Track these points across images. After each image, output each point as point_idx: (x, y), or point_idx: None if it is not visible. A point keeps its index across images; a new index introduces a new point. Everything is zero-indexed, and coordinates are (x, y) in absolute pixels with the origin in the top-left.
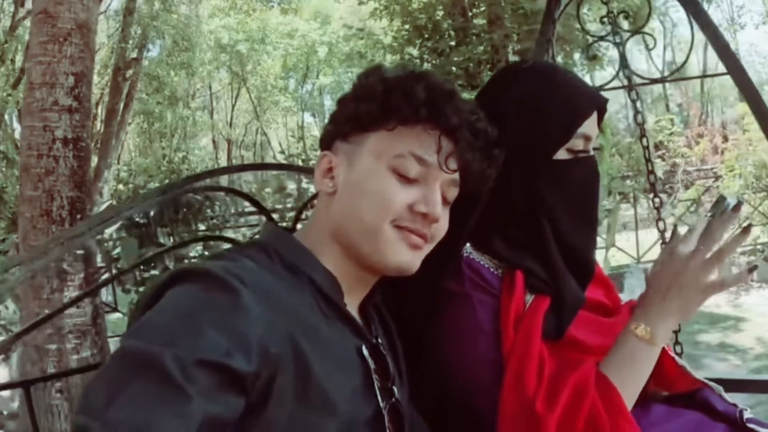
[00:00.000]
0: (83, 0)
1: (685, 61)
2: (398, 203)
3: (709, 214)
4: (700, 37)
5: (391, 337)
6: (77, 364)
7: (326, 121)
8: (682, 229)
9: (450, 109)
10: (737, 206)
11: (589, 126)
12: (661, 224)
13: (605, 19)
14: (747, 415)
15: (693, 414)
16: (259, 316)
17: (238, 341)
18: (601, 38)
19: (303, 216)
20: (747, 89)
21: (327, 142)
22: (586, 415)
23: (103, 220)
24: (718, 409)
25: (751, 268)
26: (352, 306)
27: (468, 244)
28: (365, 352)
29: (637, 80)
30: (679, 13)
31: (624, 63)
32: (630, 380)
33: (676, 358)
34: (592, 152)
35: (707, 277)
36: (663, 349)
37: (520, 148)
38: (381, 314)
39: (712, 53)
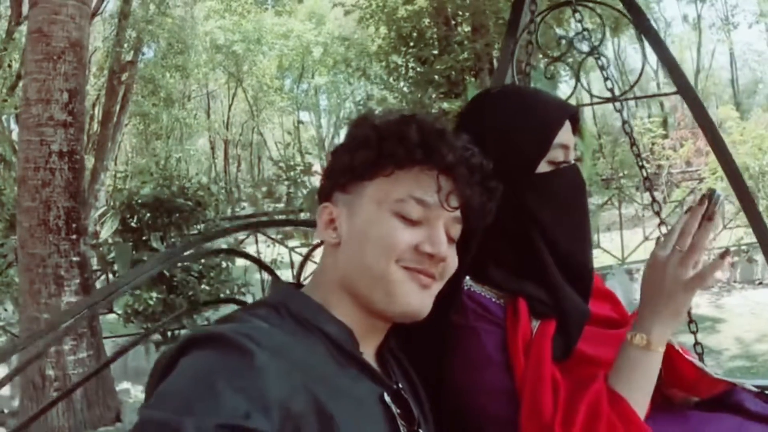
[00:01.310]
0: (76, 19)
1: (636, 82)
2: (403, 244)
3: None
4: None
5: (411, 379)
6: (74, 365)
7: (320, 122)
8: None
9: (444, 147)
10: (706, 199)
11: (565, 135)
12: (663, 228)
13: (562, 41)
14: None
15: (729, 418)
16: (276, 375)
17: (257, 402)
18: (557, 59)
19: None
20: (696, 108)
21: (326, 193)
22: (605, 429)
23: (110, 291)
24: (753, 410)
25: (723, 254)
26: (368, 354)
27: (467, 277)
28: (387, 399)
29: (595, 99)
30: (670, 12)
31: (605, 76)
32: (637, 389)
33: (694, 360)
34: (573, 161)
35: (687, 274)
36: (678, 353)
37: (503, 168)
38: (398, 358)
39: (702, 57)
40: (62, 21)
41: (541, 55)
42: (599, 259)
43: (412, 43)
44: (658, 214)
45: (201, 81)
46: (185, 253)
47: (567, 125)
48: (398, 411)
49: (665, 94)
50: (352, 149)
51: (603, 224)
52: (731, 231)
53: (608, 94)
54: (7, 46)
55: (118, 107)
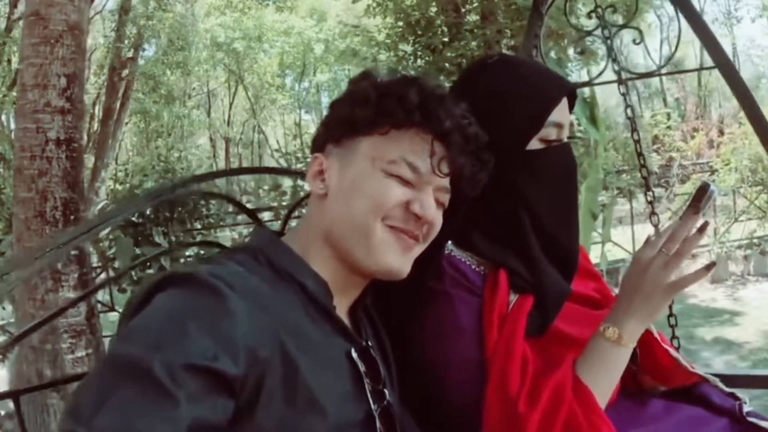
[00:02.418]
0: (74, 1)
1: (672, 54)
2: (392, 199)
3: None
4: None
5: (381, 338)
6: (72, 363)
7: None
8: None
9: (442, 113)
10: (702, 196)
11: (560, 114)
12: (654, 219)
13: (593, 14)
14: (746, 408)
15: (692, 409)
16: (247, 319)
17: (226, 345)
18: (589, 33)
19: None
20: (735, 83)
21: (319, 145)
22: (564, 418)
23: (95, 224)
24: (717, 403)
25: (709, 266)
26: (341, 309)
27: (449, 242)
28: (354, 355)
29: (627, 74)
30: (673, 8)
31: (613, 57)
32: (602, 381)
33: (671, 351)
34: (565, 140)
35: (668, 278)
36: (657, 342)
37: (494, 141)
38: (370, 316)
39: (705, 53)
40: (60, 3)
41: (549, 43)
42: (611, 253)
43: (420, 32)
44: (651, 203)
45: (202, 79)
46: (175, 193)
47: (564, 103)
48: (364, 369)
49: (705, 68)
50: (351, 104)
51: (614, 217)
52: (743, 224)
53: (643, 69)
54: (6, 40)
55: (118, 104)
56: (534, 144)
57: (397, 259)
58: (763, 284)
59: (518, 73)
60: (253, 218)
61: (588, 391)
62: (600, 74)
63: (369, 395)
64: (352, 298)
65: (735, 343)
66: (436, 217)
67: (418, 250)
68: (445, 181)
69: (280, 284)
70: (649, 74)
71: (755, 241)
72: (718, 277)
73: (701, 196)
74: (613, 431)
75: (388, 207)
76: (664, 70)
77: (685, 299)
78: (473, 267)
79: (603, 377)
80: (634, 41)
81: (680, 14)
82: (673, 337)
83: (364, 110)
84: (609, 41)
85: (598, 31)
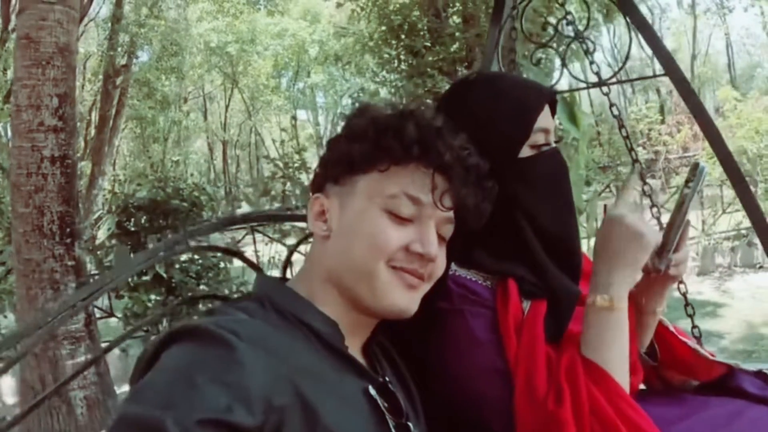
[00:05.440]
0: (63, 24)
1: (624, 63)
2: (393, 244)
3: (688, 184)
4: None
5: (400, 372)
6: (72, 369)
7: (318, 120)
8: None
9: (441, 146)
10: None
11: (544, 119)
12: (654, 210)
13: (549, 26)
14: None
15: (728, 400)
16: (258, 368)
17: (238, 395)
18: (544, 45)
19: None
20: (683, 89)
21: (318, 184)
22: (585, 398)
23: (91, 292)
24: (753, 392)
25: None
26: (354, 348)
27: (452, 263)
28: (373, 392)
29: (577, 84)
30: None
31: (590, 61)
32: (610, 352)
33: (688, 341)
34: (554, 144)
35: (642, 227)
36: (673, 336)
37: (485, 156)
38: (386, 351)
39: (699, 42)
40: (50, 26)
41: (530, 45)
42: None
43: (403, 36)
44: (650, 197)
45: (197, 83)
46: (173, 250)
47: (546, 109)
48: (385, 404)
49: (652, 77)
50: (349, 141)
51: (599, 213)
52: (730, 215)
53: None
54: (1, 53)
55: (113, 111)
56: (525, 151)
57: (403, 299)
58: (749, 275)
59: (499, 86)
60: (252, 267)
61: (599, 368)
62: (555, 84)
63: (393, 431)
64: (364, 336)
65: (714, 335)
66: (439, 254)
67: (425, 288)
68: (449, 214)
69: (289, 328)
70: (596, 84)
71: (742, 232)
72: (705, 269)
73: (694, 173)
74: (634, 406)
75: (388, 252)
76: (620, 77)
77: (671, 292)
78: (480, 282)
79: (609, 348)
80: (585, 52)
81: (630, 23)
82: (693, 326)
83: (362, 147)
84: (564, 51)
85: (552, 43)
